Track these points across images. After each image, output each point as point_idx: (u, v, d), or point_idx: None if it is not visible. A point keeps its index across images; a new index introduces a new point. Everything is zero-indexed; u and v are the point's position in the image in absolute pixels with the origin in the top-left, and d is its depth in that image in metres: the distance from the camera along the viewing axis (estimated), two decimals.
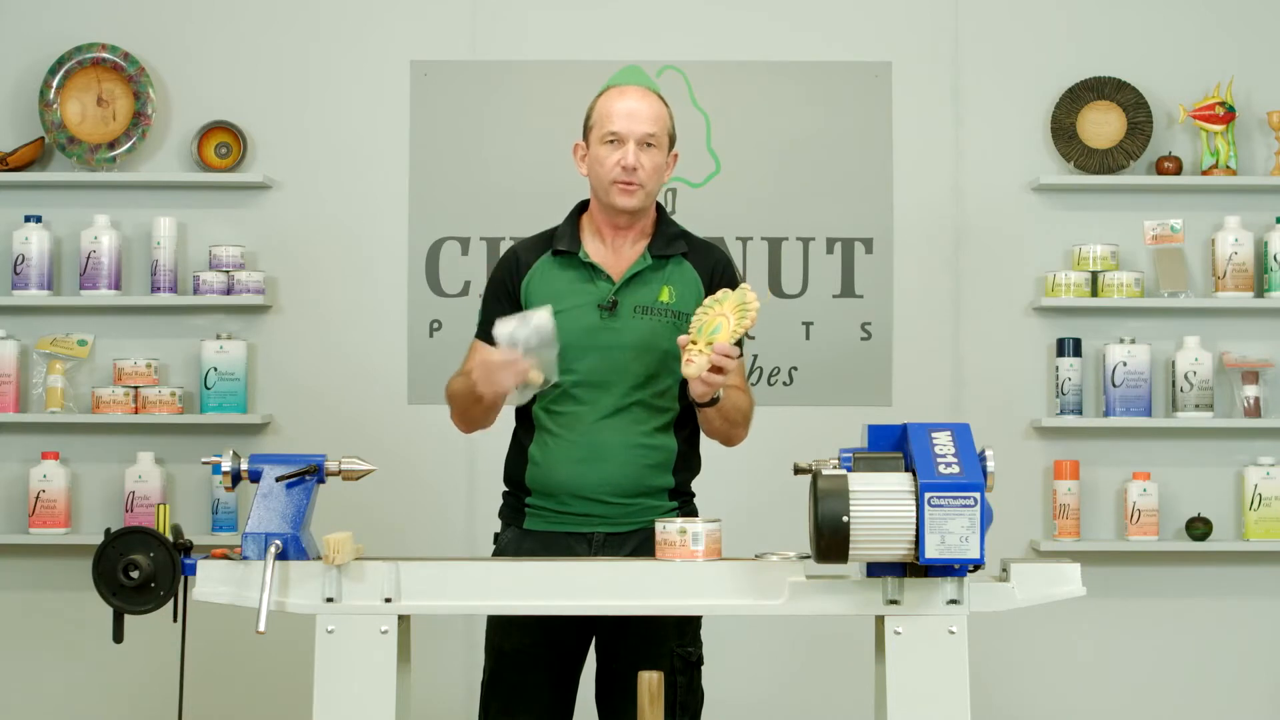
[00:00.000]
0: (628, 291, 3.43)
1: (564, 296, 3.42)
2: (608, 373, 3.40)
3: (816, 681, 4.98)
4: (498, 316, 3.36)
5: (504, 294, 3.49)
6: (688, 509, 3.50)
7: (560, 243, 3.47)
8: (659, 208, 3.53)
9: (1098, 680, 5.01)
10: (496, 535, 3.53)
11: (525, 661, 3.41)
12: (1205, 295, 4.99)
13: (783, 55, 5.04)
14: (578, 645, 3.47)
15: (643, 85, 3.47)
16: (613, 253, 3.47)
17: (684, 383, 3.44)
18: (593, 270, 3.44)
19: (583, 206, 3.54)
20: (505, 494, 3.52)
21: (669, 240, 3.48)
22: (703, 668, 3.45)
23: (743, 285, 3.25)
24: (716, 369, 3.19)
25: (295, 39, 5.05)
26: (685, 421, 3.48)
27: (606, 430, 3.39)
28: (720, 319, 3.21)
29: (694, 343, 3.21)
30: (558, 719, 3.46)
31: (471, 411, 3.43)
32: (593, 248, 3.47)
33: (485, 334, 3.46)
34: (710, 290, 3.43)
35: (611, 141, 3.38)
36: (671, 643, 3.35)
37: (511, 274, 3.49)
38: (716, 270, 3.49)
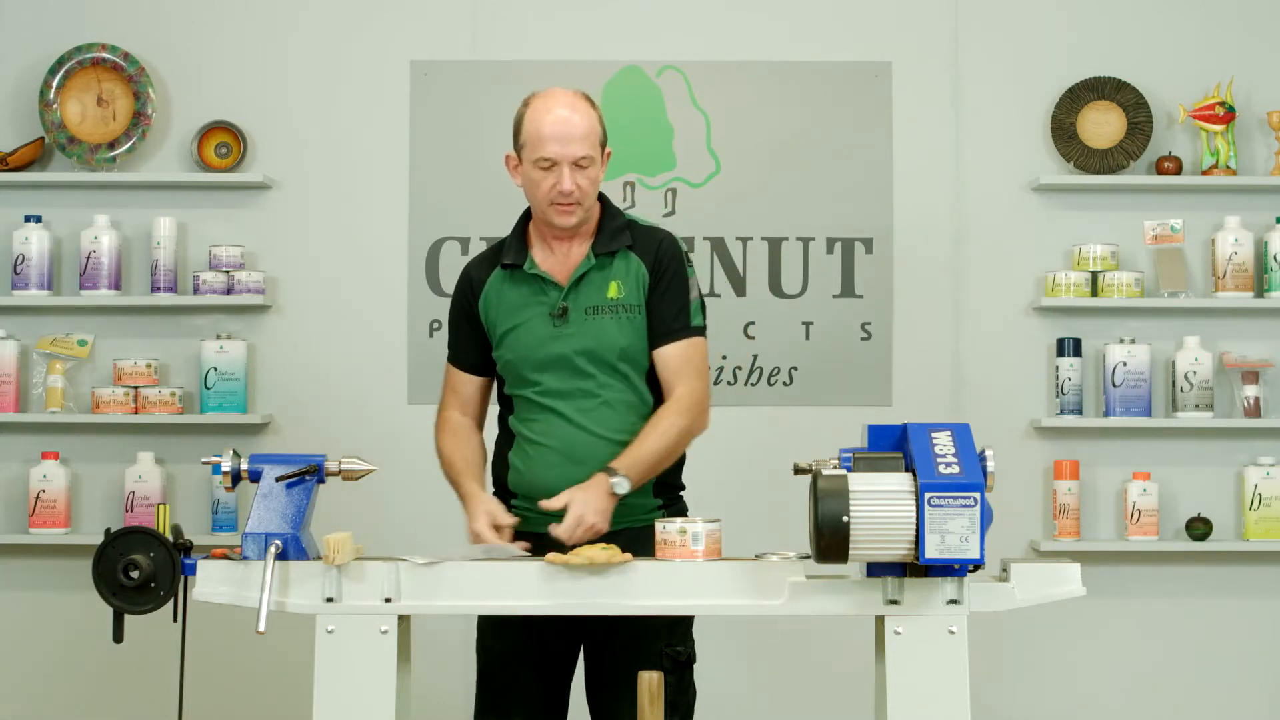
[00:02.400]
0: (576, 295, 3.42)
1: (518, 311, 3.43)
2: (571, 379, 3.40)
3: (816, 681, 4.98)
4: (463, 340, 3.49)
5: (465, 317, 3.50)
6: (675, 506, 3.50)
7: (508, 256, 3.46)
8: (603, 200, 3.49)
9: (1098, 680, 5.01)
10: None
11: (515, 661, 3.41)
12: (1205, 295, 4.99)
13: (783, 55, 5.04)
14: (568, 645, 3.46)
15: (570, 91, 3.42)
16: (561, 258, 3.45)
17: (652, 373, 3.45)
18: (541, 280, 3.43)
19: (530, 213, 3.51)
20: (493, 494, 3.51)
21: (613, 235, 3.44)
22: (697, 667, 3.44)
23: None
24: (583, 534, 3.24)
25: (295, 39, 5.05)
26: None
27: (582, 433, 3.39)
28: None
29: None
30: (550, 719, 3.46)
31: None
32: (540, 256, 3.46)
33: (457, 358, 3.53)
34: (655, 276, 3.42)
35: (545, 167, 3.35)
36: (661, 642, 3.35)
37: (468, 296, 3.49)
38: (661, 253, 3.45)
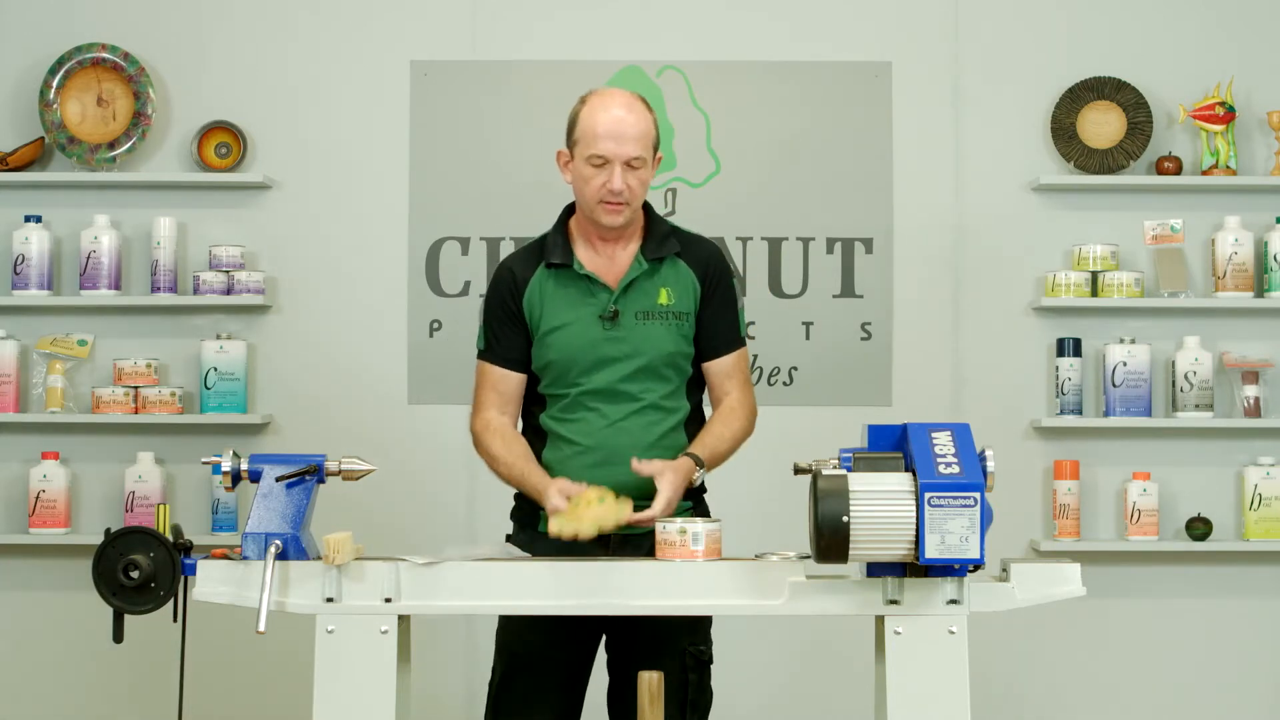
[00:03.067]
0: (627, 299, 3.42)
1: (564, 311, 3.43)
2: (616, 381, 3.41)
3: (817, 682, 4.98)
4: (506, 336, 3.43)
5: (508, 314, 3.46)
6: (701, 507, 3.51)
7: (553, 255, 3.45)
8: (646, 205, 3.50)
9: (1098, 680, 5.01)
10: (509, 537, 3.51)
11: (537, 663, 3.41)
12: (1205, 295, 4.99)
13: (783, 55, 5.04)
14: (588, 646, 3.47)
15: (627, 93, 3.43)
16: (607, 259, 3.46)
17: (691, 382, 3.48)
18: (590, 281, 3.43)
19: (570, 210, 3.52)
20: (518, 496, 3.51)
21: (660, 241, 3.46)
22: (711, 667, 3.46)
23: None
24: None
25: (295, 39, 5.05)
26: (694, 419, 3.50)
27: (621, 434, 3.40)
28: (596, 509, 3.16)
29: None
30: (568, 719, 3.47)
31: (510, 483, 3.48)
32: (586, 256, 3.46)
33: (497, 355, 3.47)
34: (707, 290, 3.45)
35: (597, 164, 3.36)
36: (684, 642, 3.36)
37: (511, 293, 3.46)
38: (711, 265, 3.50)
